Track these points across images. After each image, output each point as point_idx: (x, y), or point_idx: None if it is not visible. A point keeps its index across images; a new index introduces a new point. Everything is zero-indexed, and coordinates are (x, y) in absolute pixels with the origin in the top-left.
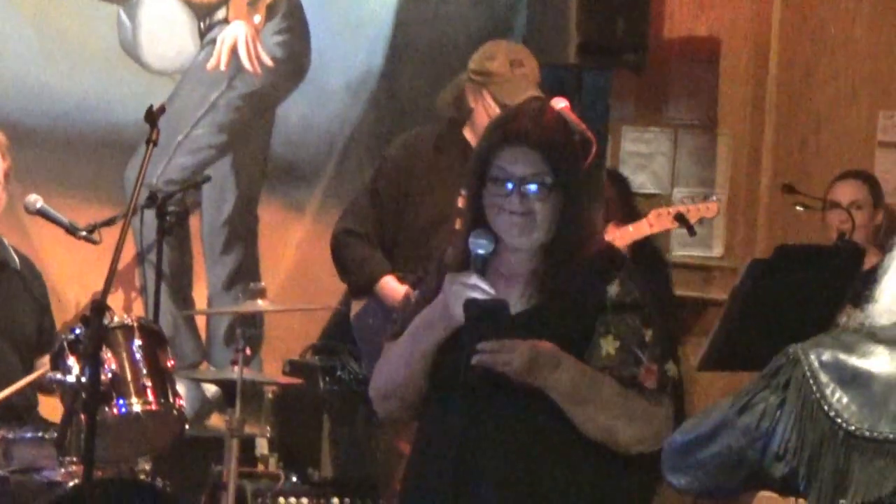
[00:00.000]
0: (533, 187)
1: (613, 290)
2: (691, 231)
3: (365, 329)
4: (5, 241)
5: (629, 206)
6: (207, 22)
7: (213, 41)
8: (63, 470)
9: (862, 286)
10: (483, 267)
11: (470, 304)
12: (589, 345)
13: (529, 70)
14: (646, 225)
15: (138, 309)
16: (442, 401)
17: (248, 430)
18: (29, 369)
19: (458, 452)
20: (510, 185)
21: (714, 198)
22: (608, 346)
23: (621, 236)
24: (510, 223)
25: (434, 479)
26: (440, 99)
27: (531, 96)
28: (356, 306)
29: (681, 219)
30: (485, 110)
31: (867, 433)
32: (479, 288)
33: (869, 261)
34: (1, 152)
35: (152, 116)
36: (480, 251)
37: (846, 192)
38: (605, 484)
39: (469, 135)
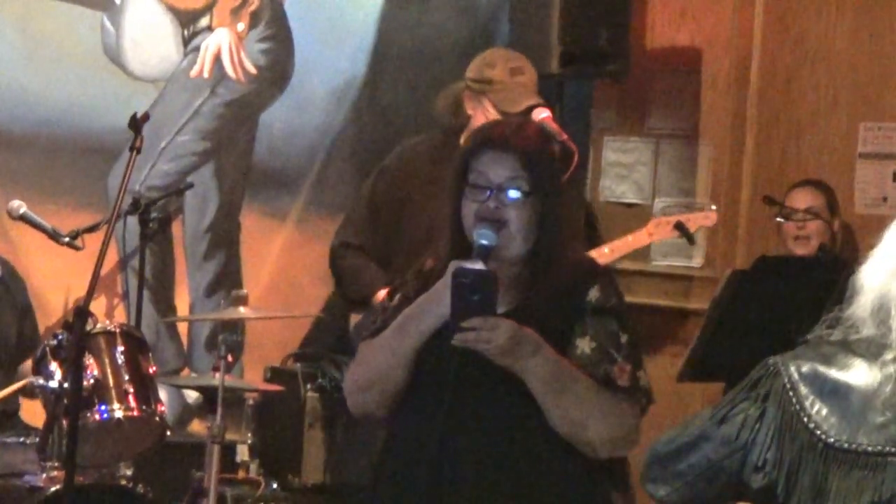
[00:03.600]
0: (511, 193)
1: (594, 294)
2: (691, 240)
3: None
4: None
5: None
6: (191, 29)
7: (197, 48)
8: (45, 475)
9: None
10: (486, 257)
11: (458, 270)
12: (566, 345)
13: (529, 78)
14: (645, 234)
15: (120, 315)
16: (421, 396)
17: (229, 436)
18: (9, 374)
19: (436, 451)
20: (489, 192)
21: (713, 207)
22: (584, 345)
23: (620, 247)
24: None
25: (410, 476)
26: (436, 106)
27: (532, 104)
28: (355, 317)
29: (680, 228)
30: (484, 118)
31: (846, 445)
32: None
33: None
34: None
35: (136, 124)
36: (485, 241)
37: (802, 199)
38: (579, 487)
39: (465, 139)
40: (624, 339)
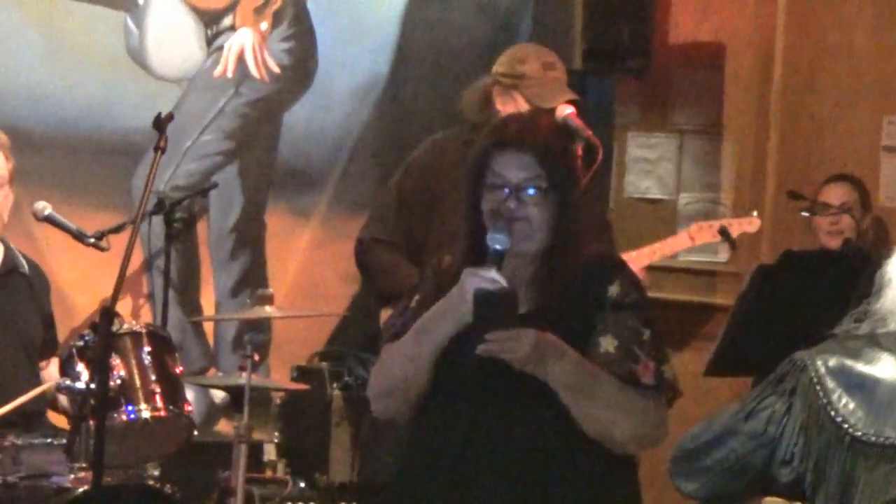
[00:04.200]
0: (530, 191)
1: (613, 290)
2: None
3: None
4: (13, 245)
5: None
6: (214, 29)
7: (220, 48)
8: (72, 476)
9: (865, 292)
10: (500, 262)
11: (478, 293)
12: (588, 342)
13: (561, 73)
14: (686, 238)
15: (146, 315)
16: (444, 400)
17: (255, 435)
18: (35, 373)
19: (460, 451)
20: (506, 191)
21: (754, 213)
22: (607, 344)
23: (659, 249)
24: (507, 229)
25: (433, 478)
26: (463, 102)
27: (568, 99)
28: (385, 314)
29: (724, 233)
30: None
31: (873, 438)
32: (496, 282)
33: None
34: (3, 153)
35: (160, 123)
36: (498, 246)
37: (835, 194)
38: (605, 483)
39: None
40: (646, 335)
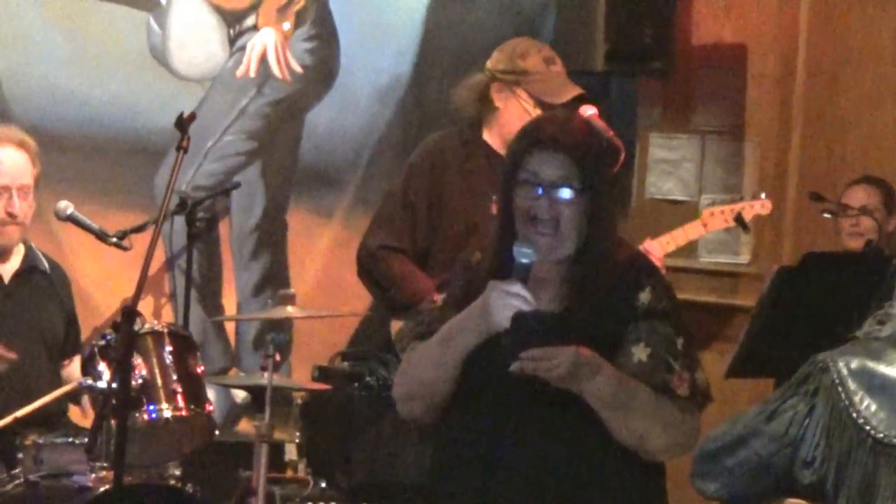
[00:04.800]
0: (564, 192)
1: (645, 297)
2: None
3: None
4: (34, 245)
5: None
6: (237, 29)
7: (243, 48)
8: (93, 475)
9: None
10: (526, 275)
11: (518, 318)
12: (619, 350)
13: (561, 67)
14: (699, 225)
15: (168, 315)
16: (470, 405)
17: (277, 435)
18: (58, 372)
19: (486, 457)
20: (540, 190)
21: (762, 195)
22: (640, 353)
23: (675, 238)
24: (538, 230)
25: (462, 481)
26: (458, 99)
27: (577, 94)
28: (396, 324)
29: (737, 217)
30: (520, 108)
31: (895, 440)
32: (521, 297)
33: None
34: (31, 159)
35: (183, 123)
36: (524, 260)
37: (857, 197)
38: (632, 490)
39: (489, 136)
40: (679, 343)
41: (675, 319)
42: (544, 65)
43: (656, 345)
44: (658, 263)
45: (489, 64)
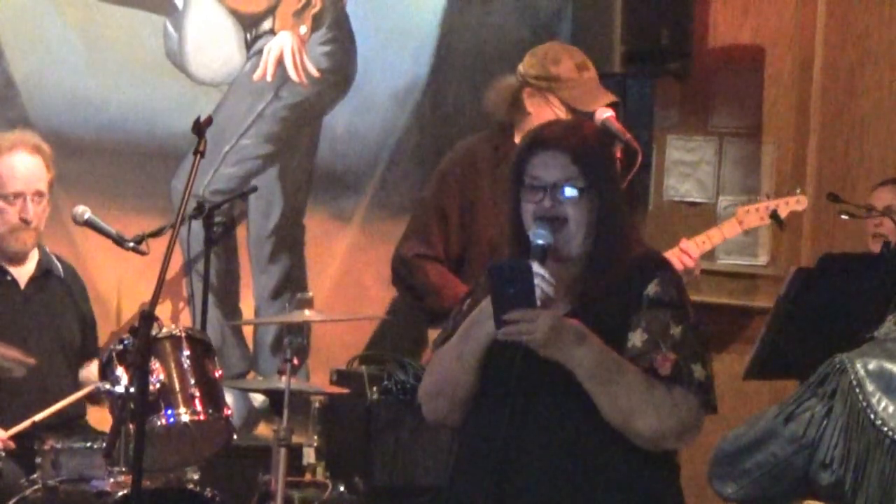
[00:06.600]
0: (567, 192)
1: (652, 288)
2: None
3: None
4: (48, 249)
5: None
6: (254, 33)
7: (260, 52)
8: (112, 479)
9: None
10: (543, 256)
11: (492, 265)
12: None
13: (593, 72)
14: (735, 223)
15: (185, 319)
16: (489, 404)
17: (295, 439)
18: (75, 376)
19: (502, 456)
20: (543, 191)
21: (798, 191)
22: (636, 338)
23: (712, 237)
24: (549, 226)
25: (477, 480)
26: (489, 103)
27: (610, 101)
28: (434, 333)
29: (773, 214)
30: (552, 115)
31: None
32: (538, 274)
33: None
34: (46, 164)
35: (200, 127)
36: (540, 241)
37: (881, 198)
38: (647, 487)
39: (520, 140)
40: (675, 330)
41: (678, 310)
42: (577, 71)
43: (652, 331)
44: (693, 264)
45: (521, 69)
